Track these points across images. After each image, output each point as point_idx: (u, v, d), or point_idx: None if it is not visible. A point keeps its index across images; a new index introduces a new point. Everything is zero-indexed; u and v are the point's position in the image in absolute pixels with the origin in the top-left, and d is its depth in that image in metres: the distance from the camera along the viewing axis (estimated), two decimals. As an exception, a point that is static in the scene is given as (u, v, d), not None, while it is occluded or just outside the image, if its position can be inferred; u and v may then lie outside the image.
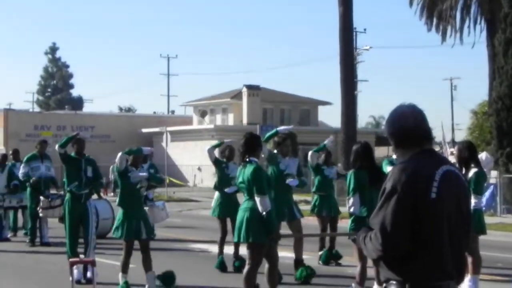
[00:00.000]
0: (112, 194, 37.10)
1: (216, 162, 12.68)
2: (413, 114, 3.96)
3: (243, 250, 9.87)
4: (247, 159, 8.58)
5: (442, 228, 3.75)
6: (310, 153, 12.84)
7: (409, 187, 3.74)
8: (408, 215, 3.72)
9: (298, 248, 11.41)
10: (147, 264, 10.10)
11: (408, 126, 3.92)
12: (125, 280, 10.04)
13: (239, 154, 8.78)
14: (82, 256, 11.21)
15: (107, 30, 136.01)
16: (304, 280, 11.02)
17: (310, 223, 17.52)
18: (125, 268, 10.11)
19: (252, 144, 8.68)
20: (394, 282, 3.79)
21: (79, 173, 11.70)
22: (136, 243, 10.16)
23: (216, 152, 13.01)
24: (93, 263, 7.35)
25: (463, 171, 9.34)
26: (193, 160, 47.10)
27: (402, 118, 3.96)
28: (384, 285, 3.87)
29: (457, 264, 3.80)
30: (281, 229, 11.35)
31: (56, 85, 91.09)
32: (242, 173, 8.60)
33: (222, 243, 12.41)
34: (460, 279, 3.86)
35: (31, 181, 15.68)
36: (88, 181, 11.78)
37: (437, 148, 23.56)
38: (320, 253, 13.14)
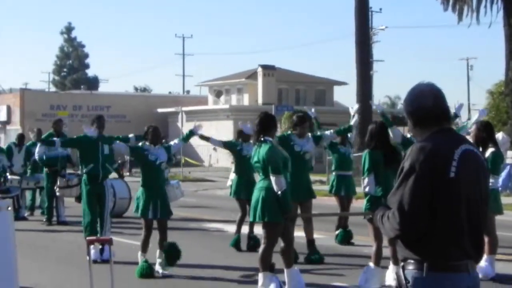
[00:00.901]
0: (128, 173, 37.27)
1: (227, 145, 12.62)
2: (432, 92, 3.93)
3: (258, 230, 9.89)
4: (262, 139, 8.57)
5: (460, 207, 3.73)
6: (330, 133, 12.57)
7: (428, 166, 3.71)
8: (426, 194, 3.69)
9: (308, 229, 11.36)
10: (162, 244, 10.15)
11: (427, 104, 3.89)
12: (144, 259, 10.09)
13: (253, 134, 8.75)
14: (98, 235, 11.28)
15: (123, 10, 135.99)
16: (313, 261, 10.99)
17: (325, 203, 17.55)
18: (144, 247, 10.16)
19: (267, 123, 8.64)
20: (412, 261, 3.78)
21: (96, 154, 11.69)
22: (155, 222, 10.22)
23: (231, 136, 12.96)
24: (110, 242, 7.37)
25: (481, 150, 9.28)
26: (209, 140, 47.10)
27: (421, 97, 3.92)
28: (402, 264, 3.85)
29: (475, 243, 3.78)
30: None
31: (72, 65, 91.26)
32: (257, 152, 8.59)
33: (240, 223, 12.43)
34: (478, 259, 3.85)
35: (47, 170, 15.76)
36: (106, 161, 11.78)
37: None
38: (337, 232, 13.16)
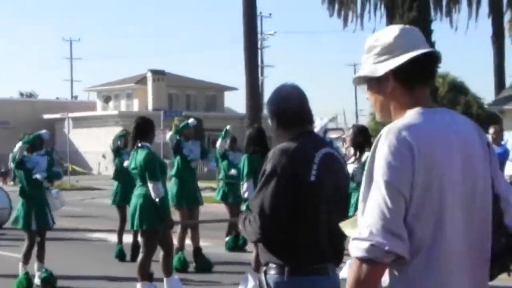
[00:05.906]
0: (12, 183, 36.03)
1: (117, 151, 12.45)
2: (298, 94, 3.93)
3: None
4: (139, 144, 8.37)
5: (320, 211, 3.71)
6: (219, 141, 12.89)
7: (289, 170, 3.67)
8: (287, 198, 3.65)
9: (195, 236, 11.24)
10: (39, 255, 9.81)
11: (294, 106, 3.87)
12: (25, 271, 9.69)
13: (130, 139, 8.57)
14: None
15: (6, 12, 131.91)
16: (202, 270, 10.87)
17: (213, 210, 17.47)
18: (26, 259, 9.77)
19: (143, 128, 8.44)
20: (273, 266, 3.73)
21: None
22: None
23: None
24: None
25: (358, 155, 9.42)
26: (97, 147, 46.33)
27: (288, 98, 3.90)
28: (264, 268, 3.80)
29: (335, 246, 3.77)
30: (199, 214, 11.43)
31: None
32: (134, 158, 8.38)
33: (121, 232, 12.15)
34: (338, 262, 3.84)
35: None
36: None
37: (340, 134, 23.80)
38: (226, 239, 13.06)
